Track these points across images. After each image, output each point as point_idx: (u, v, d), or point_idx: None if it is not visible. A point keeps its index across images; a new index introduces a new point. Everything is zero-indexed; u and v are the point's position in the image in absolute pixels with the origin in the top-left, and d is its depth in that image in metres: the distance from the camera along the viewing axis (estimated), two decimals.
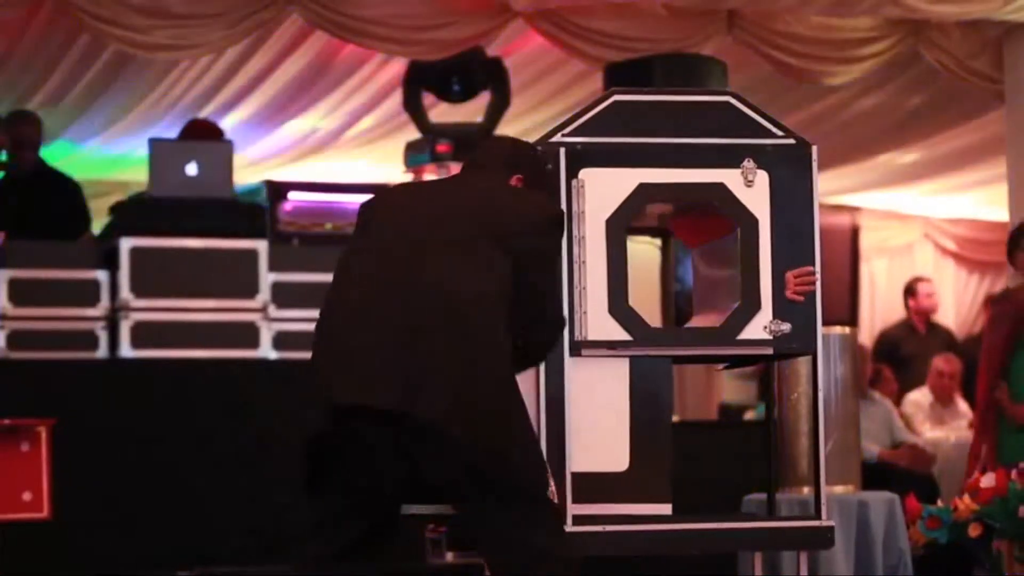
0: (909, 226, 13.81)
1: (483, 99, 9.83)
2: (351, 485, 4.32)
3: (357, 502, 4.35)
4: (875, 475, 8.38)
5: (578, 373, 4.92)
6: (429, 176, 9.59)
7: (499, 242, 4.33)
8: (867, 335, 12.21)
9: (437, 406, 4.14)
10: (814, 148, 5.15)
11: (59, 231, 8.36)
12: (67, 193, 8.77)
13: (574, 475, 4.95)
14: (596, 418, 4.98)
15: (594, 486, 4.98)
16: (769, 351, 5.09)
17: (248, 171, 10.89)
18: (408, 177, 9.96)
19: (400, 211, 4.48)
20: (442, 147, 9.39)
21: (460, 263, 4.28)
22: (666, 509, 5.02)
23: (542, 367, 4.89)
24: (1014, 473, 6.67)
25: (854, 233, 13.32)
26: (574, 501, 4.95)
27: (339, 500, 4.34)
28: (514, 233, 4.36)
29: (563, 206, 4.95)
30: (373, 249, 4.42)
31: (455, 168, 9.35)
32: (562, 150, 5.00)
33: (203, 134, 8.99)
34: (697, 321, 5.37)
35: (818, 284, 5.09)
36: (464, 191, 4.53)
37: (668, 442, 5.03)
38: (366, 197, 10.36)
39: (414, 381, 4.16)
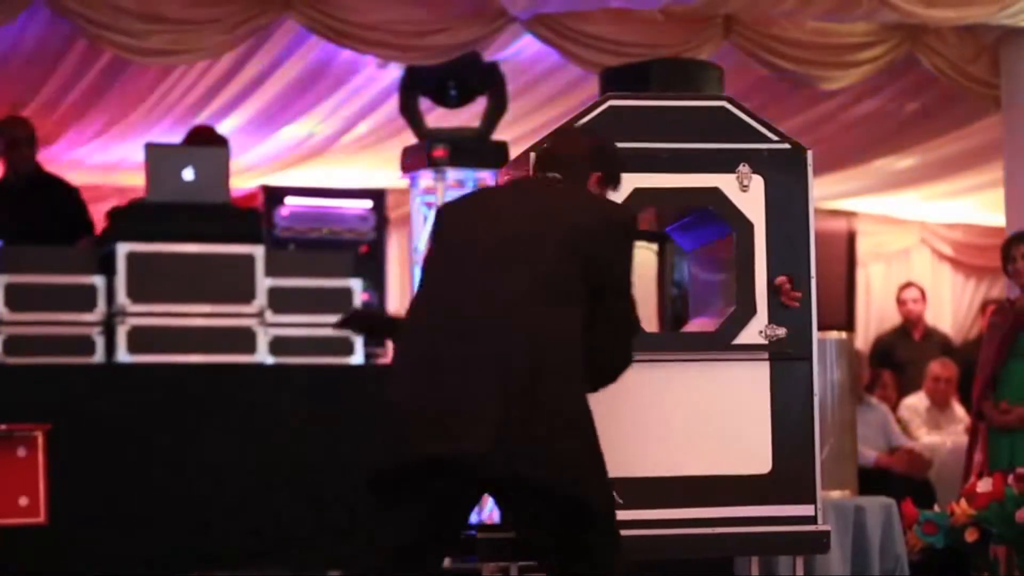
0: (906, 231, 13.80)
1: (480, 104, 9.84)
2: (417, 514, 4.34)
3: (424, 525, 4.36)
4: (872, 480, 8.39)
5: (719, 376, 4.94)
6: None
7: (576, 262, 4.30)
8: (863, 340, 12.22)
9: (521, 457, 4.13)
10: (809, 153, 5.16)
11: (58, 236, 8.36)
12: (66, 198, 8.78)
13: (717, 478, 4.98)
14: (738, 421, 5.01)
15: (738, 489, 5.01)
16: (765, 356, 5.09)
17: (245, 176, 10.89)
18: (404, 182, 9.96)
19: (475, 227, 4.43)
20: (439, 152, 9.38)
21: (538, 296, 4.25)
22: (809, 510, 5.04)
23: None
24: (1011, 478, 6.68)
25: (850, 238, 13.32)
26: (718, 504, 5.01)
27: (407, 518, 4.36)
28: (592, 253, 4.33)
29: None
30: (450, 275, 4.39)
31: (453, 173, 9.42)
32: None
33: (206, 142, 8.99)
34: (693, 326, 5.37)
35: (813, 289, 5.10)
36: (539, 205, 4.45)
37: (811, 443, 5.05)
38: (363, 202, 10.30)
39: (500, 430, 4.13)
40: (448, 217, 4.56)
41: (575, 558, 4.29)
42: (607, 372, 4.52)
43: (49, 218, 8.57)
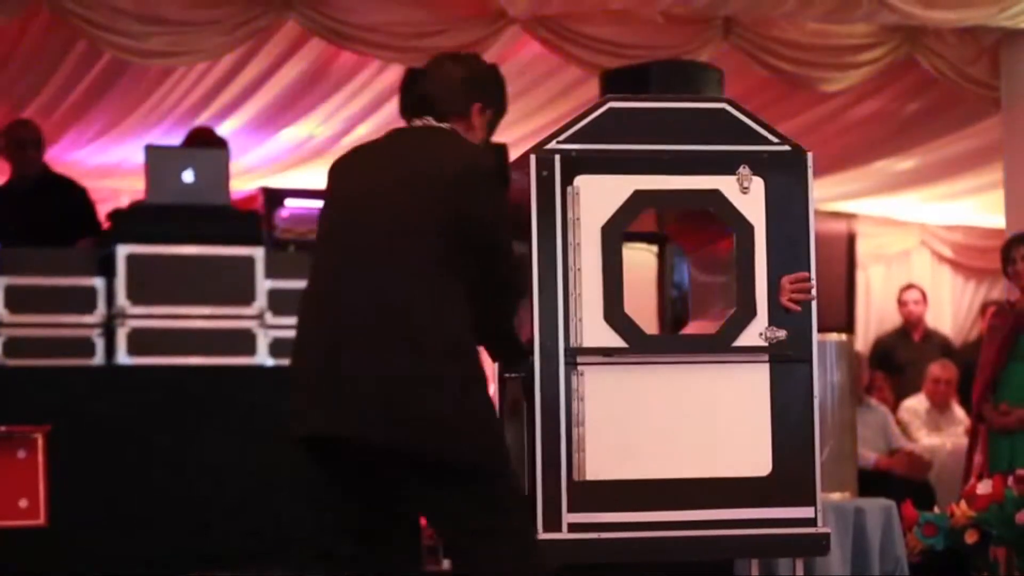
0: (906, 233, 13.81)
1: None
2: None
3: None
4: (872, 482, 8.39)
5: (719, 378, 4.94)
6: None
7: (441, 224, 4.21)
8: (863, 342, 12.22)
9: (385, 426, 4.17)
10: (810, 155, 5.16)
11: (66, 237, 8.35)
12: (73, 198, 8.77)
13: (716, 480, 4.99)
14: (738, 423, 5.01)
15: (738, 491, 5.01)
16: (765, 358, 5.09)
17: (245, 178, 10.89)
18: None
19: (348, 198, 4.34)
20: None
21: (404, 264, 4.19)
22: (809, 512, 5.04)
23: (537, 376, 4.89)
24: (1011, 480, 6.68)
25: (850, 240, 13.33)
26: (718, 506, 5.00)
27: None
28: (457, 212, 4.23)
29: (558, 213, 4.96)
30: (325, 253, 4.37)
31: None
32: (557, 157, 5.00)
33: (206, 144, 8.99)
34: (693, 328, 5.37)
35: (814, 291, 5.10)
36: (403, 165, 4.31)
37: (811, 445, 5.05)
38: None
39: (362, 403, 4.24)
40: (333, 179, 4.45)
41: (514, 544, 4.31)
42: (501, 326, 4.51)
43: (56, 219, 8.57)
